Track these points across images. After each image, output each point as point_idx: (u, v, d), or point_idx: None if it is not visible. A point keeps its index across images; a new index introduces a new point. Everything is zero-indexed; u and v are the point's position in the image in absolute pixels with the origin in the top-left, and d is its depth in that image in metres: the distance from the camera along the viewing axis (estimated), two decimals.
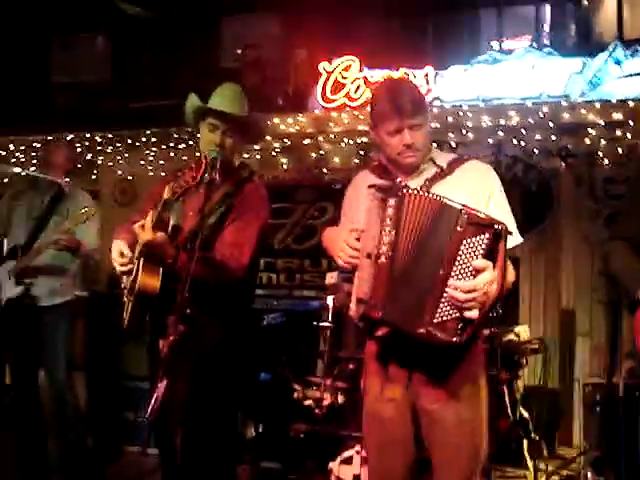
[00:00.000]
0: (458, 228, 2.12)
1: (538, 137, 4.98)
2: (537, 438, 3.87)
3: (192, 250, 2.57)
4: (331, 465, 3.65)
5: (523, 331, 4.00)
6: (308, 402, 3.76)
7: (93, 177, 6.46)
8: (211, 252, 2.85)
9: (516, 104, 5.02)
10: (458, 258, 2.12)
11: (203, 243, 2.65)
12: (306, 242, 5.91)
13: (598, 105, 4.82)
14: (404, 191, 2.24)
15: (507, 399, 3.76)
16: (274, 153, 5.79)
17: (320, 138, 5.58)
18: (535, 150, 5.04)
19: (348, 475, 3.54)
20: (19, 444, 4.37)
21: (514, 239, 2.38)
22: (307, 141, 5.63)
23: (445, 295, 2.13)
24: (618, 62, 4.91)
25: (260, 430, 4.80)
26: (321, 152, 5.68)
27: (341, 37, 5.75)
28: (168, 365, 2.40)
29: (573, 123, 4.89)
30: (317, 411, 3.62)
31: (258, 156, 5.80)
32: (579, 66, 4.97)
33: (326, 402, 3.68)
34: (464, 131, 5.11)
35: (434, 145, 2.55)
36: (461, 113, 5.08)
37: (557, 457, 4.62)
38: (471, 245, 2.12)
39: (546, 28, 5.83)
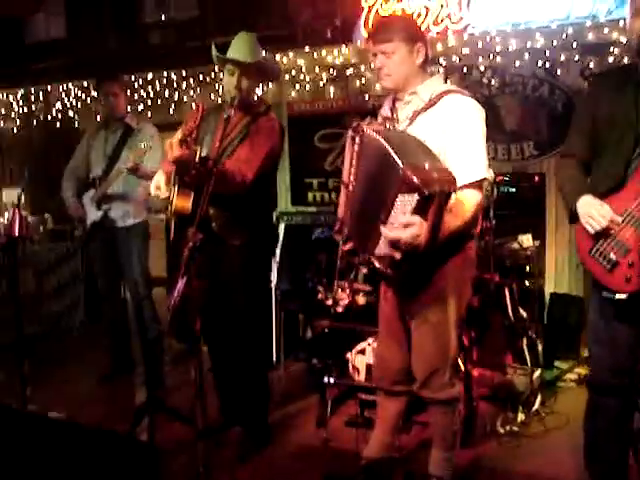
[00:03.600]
0: (396, 182, 2.34)
1: (563, 58, 5.05)
2: (534, 336, 4.20)
3: (211, 171, 3.07)
4: (348, 355, 4.01)
5: (526, 240, 4.27)
6: (329, 302, 4.21)
7: (171, 112, 7.07)
8: (222, 166, 3.27)
9: (542, 27, 5.07)
10: (394, 209, 2.39)
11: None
12: None
13: (622, 23, 4.79)
14: (364, 131, 2.62)
15: (508, 301, 4.12)
16: (322, 84, 6.12)
17: (362, 68, 5.85)
18: (559, 71, 5.12)
19: (362, 364, 3.91)
20: (111, 341, 5.26)
21: (479, 173, 2.64)
22: (350, 71, 5.91)
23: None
24: None
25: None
26: (363, 81, 5.98)
27: None
28: (187, 266, 3.00)
29: (597, 42, 4.91)
30: (334, 309, 4.03)
31: (308, 87, 6.18)
32: None
33: (344, 302, 4.07)
34: (492, 55, 5.24)
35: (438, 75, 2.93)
36: (489, 38, 5.20)
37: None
38: (404, 201, 2.36)
39: None
